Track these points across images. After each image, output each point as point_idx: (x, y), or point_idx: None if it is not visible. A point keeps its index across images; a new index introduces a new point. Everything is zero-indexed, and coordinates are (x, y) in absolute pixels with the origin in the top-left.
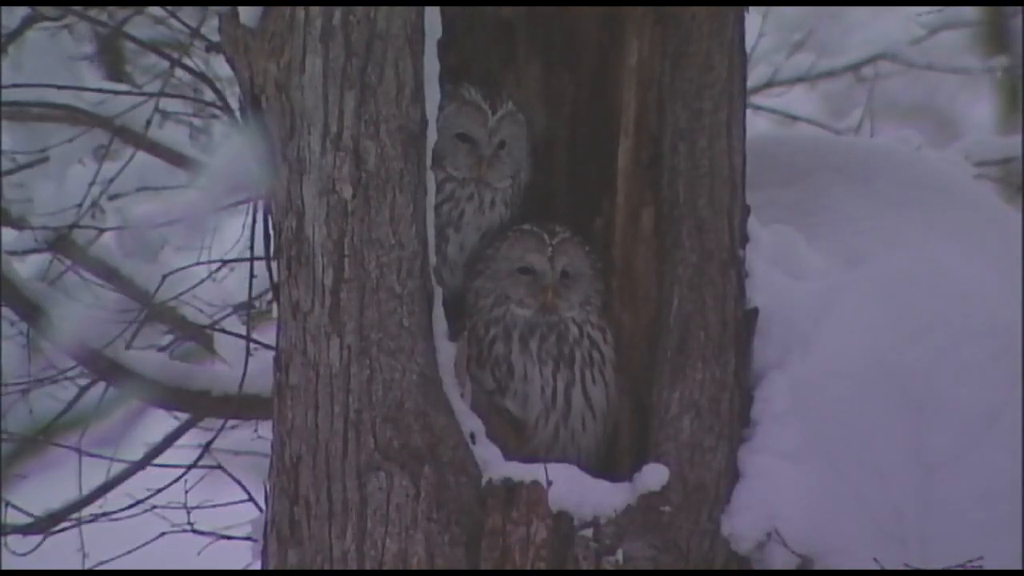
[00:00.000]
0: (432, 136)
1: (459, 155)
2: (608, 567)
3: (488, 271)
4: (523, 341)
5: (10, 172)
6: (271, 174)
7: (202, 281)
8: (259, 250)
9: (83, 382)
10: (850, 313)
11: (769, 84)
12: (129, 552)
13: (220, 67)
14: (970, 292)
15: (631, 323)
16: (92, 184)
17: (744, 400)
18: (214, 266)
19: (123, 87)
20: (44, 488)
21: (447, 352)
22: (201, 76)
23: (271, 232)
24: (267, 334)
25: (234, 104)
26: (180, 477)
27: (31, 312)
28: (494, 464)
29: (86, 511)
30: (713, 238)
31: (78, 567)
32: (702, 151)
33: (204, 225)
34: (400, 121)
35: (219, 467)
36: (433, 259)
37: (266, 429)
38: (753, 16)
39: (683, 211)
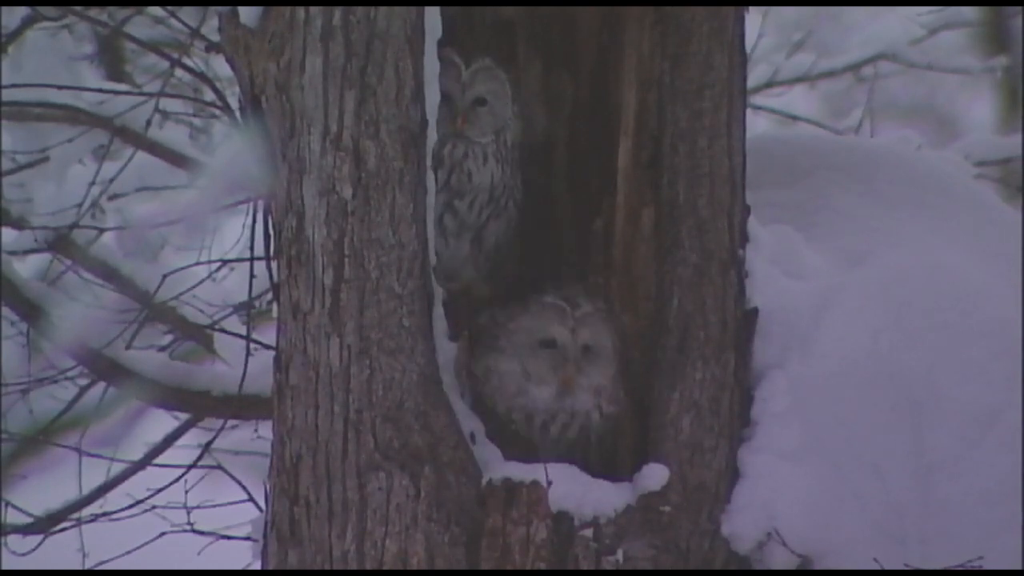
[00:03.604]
0: (432, 136)
1: (440, 113)
2: (608, 567)
3: (508, 347)
4: (545, 428)
5: (10, 172)
6: (271, 174)
7: (202, 281)
8: (259, 250)
9: (83, 382)
10: (850, 313)
11: (769, 84)
12: (129, 552)
13: (220, 67)
14: (970, 292)
15: (631, 323)
16: (92, 184)
17: (744, 400)
18: (214, 266)
19: (123, 87)
20: (44, 488)
21: (447, 352)
22: (201, 76)
23: (271, 232)
24: (267, 334)
25: (234, 104)
26: (180, 477)
27: (31, 312)
28: (494, 464)
29: (86, 511)
30: (713, 238)
31: (78, 567)
32: (702, 151)
33: (204, 225)
34: (400, 121)
35: (219, 467)
36: (433, 259)
37: (266, 429)
38: (753, 16)
39: (683, 211)
